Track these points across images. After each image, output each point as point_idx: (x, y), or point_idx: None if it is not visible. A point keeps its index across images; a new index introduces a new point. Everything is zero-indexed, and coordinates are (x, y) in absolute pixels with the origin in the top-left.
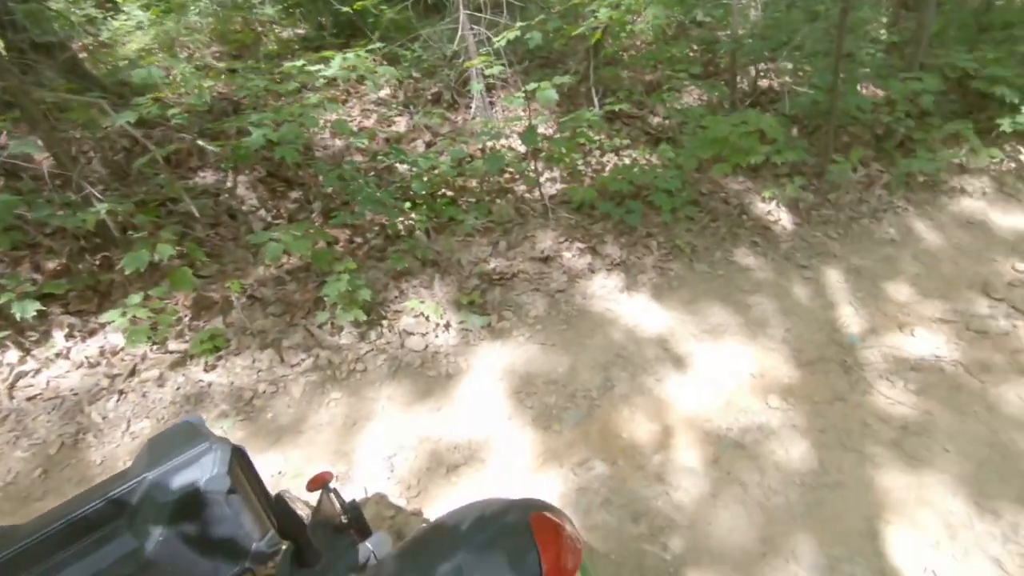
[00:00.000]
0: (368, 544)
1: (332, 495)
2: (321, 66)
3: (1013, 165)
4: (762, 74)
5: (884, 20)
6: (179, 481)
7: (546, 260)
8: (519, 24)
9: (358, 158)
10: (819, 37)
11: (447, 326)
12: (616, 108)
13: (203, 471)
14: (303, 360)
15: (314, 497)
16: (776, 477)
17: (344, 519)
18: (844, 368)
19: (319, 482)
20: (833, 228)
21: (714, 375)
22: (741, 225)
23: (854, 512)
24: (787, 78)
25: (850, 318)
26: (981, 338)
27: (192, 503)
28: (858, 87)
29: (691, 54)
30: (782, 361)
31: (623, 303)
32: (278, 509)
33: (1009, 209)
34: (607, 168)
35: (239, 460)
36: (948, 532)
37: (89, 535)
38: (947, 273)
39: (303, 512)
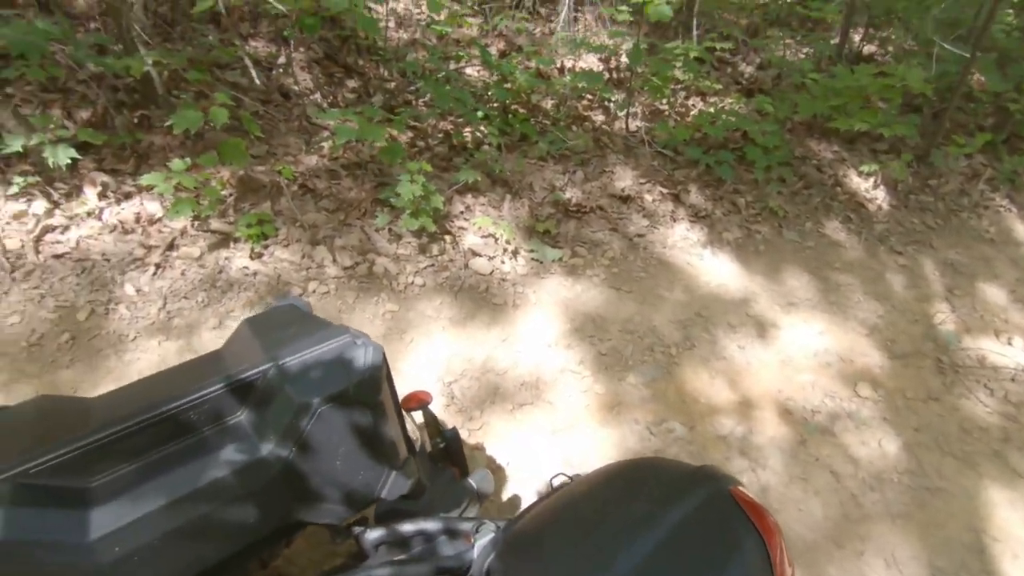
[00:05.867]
0: (471, 481)
1: (428, 420)
2: None
3: None
4: (868, 38)
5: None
6: (321, 377)
7: (625, 200)
8: None
9: (422, 55)
10: (957, 5)
11: (515, 253)
12: (716, 46)
13: (351, 369)
14: (358, 264)
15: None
16: (870, 471)
17: (439, 446)
18: (939, 367)
19: (416, 402)
20: (932, 217)
21: (799, 352)
22: (834, 197)
23: (958, 522)
24: (903, 44)
25: (946, 315)
26: None
27: (335, 408)
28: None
29: (782, 3)
30: (873, 348)
31: (706, 259)
32: None
33: None
34: (690, 112)
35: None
36: None
37: (194, 431)
38: None
39: (416, 435)
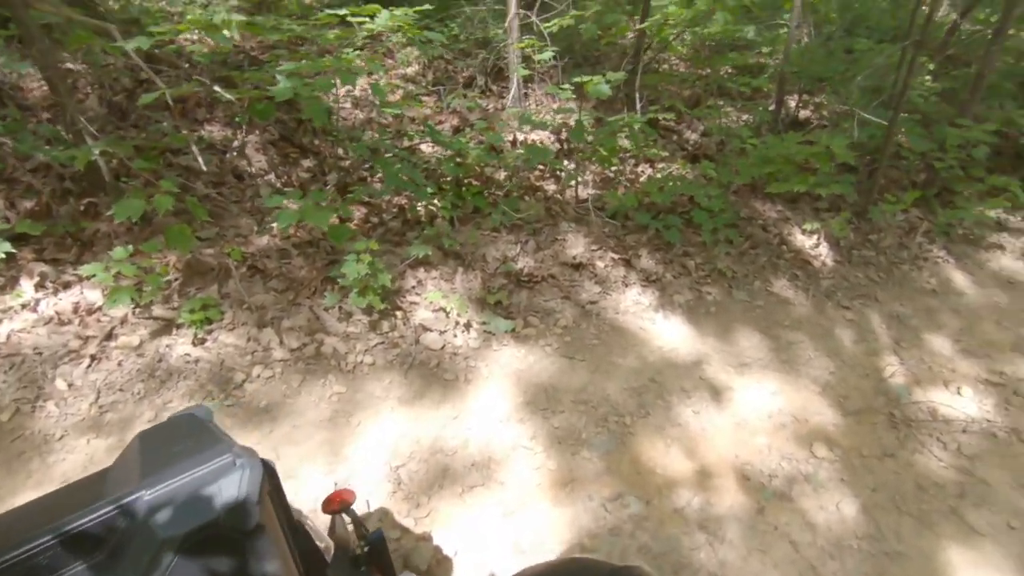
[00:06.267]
0: None
1: (352, 521)
2: (366, 19)
3: None
4: (803, 104)
5: (931, 67)
6: (189, 508)
7: (577, 267)
8: (573, 12)
9: (377, 135)
10: (878, 73)
11: (467, 326)
12: (659, 117)
13: (223, 496)
14: (305, 345)
15: (327, 518)
16: (829, 538)
17: (363, 550)
18: (892, 422)
19: (338, 503)
20: (875, 271)
21: (754, 414)
22: (781, 256)
23: None
24: (835, 108)
25: (895, 368)
26: None
27: (204, 540)
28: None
29: (724, 75)
30: (826, 406)
31: (658, 323)
32: (296, 541)
33: None
34: (640, 179)
35: (269, 482)
36: None
37: None
38: (989, 332)
39: (323, 544)
